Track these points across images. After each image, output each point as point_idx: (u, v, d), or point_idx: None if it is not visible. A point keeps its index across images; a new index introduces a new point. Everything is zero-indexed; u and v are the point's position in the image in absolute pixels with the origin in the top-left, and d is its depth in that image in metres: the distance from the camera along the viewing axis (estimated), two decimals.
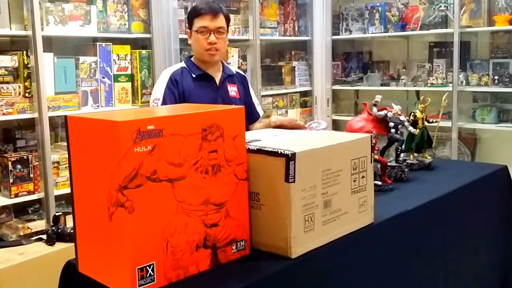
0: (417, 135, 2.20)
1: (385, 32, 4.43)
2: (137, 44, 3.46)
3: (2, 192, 2.91)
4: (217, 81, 2.47)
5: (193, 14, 2.42)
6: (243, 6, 4.05)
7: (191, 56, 2.52)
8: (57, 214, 2.43)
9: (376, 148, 1.90)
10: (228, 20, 2.45)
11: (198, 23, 2.37)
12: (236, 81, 2.57)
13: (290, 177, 1.24)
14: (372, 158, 1.52)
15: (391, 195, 1.87)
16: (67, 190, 2.97)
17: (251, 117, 2.60)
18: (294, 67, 4.53)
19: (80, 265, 1.26)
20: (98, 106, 3.20)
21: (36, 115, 2.90)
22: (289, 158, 1.24)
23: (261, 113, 2.70)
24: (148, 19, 3.40)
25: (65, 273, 1.36)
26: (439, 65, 4.21)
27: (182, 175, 1.16)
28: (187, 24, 2.55)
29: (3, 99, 2.80)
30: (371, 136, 1.53)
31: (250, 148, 1.31)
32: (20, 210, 3.02)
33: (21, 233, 2.85)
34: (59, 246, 2.32)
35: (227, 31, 2.45)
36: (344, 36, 4.70)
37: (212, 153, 1.21)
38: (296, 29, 4.55)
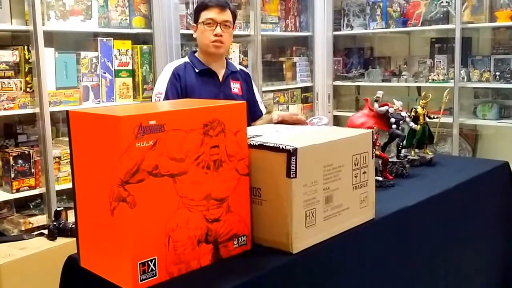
0: (418, 131, 2.20)
1: (386, 28, 4.42)
2: (138, 39, 3.46)
3: (3, 187, 2.92)
4: (220, 77, 2.47)
5: (200, 7, 2.43)
6: (244, 1, 4.04)
7: (194, 52, 2.52)
8: (58, 209, 2.44)
9: (378, 144, 1.90)
10: (234, 16, 2.47)
11: (205, 15, 2.38)
12: (239, 78, 2.57)
13: (291, 173, 1.24)
14: (374, 154, 1.52)
15: (392, 191, 1.87)
16: (68, 185, 2.97)
17: (254, 115, 2.60)
18: (295, 63, 4.52)
19: (82, 260, 1.26)
20: (99, 101, 3.20)
21: (37, 110, 2.90)
22: (291, 153, 1.24)
23: (264, 111, 2.69)
24: (149, 14, 3.40)
25: (66, 267, 1.36)
26: (440, 61, 4.20)
27: (183, 170, 1.16)
28: (189, 19, 2.55)
29: (4, 94, 2.80)
30: (372, 131, 1.53)
31: (252, 144, 1.31)
32: (22, 205, 3.02)
33: (23, 228, 2.86)
34: (61, 241, 2.32)
35: (233, 27, 2.45)
36: (345, 31, 4.69)
37: (214, 148, 1.21)
38: (297, 24, 4.54)
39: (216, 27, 2.37)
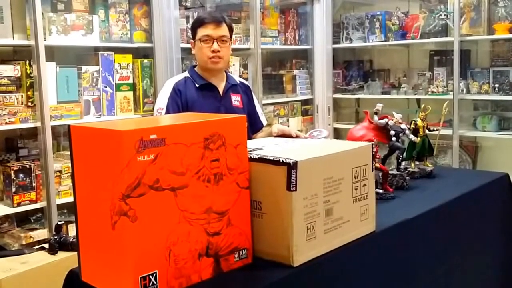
0: (418, 143, 2.20)
1: (385, 40, 4.45)
2: (139, 53, 3.48)
3: (4, 201, 2.92)
4: (221, 90, 2.48)
5: (196, 24, 2.44)
6: (244, 16, 4.07)
7: (194, 66, 2.53)
8: (59, 223, 2.44)
9: (377, 157, 1.90)
10: (231, 30, 2.47)
11: (202, 32, 2.39)
12: (239, 90, 2.58)
13: (291, 186, 1.25)
14: (374, 167, 1.53)
15: (392, 203, 1.87)
16: (69, 199, 2.97)
17: (255, 127, 2.61)
18: (295, 76, 4.54)
19: (83, 274, 1.26)
20: (100, 115, 3.21)
21: (38, 124, 2.91)
22: (291, 166, 1.24)
23: (264, 122, 2.70)
24: (150, 29, 3.42)
25: (67, 282, 1.36)
26: (439, 73, 4.22)
27: (184, 184, 1.17)
28: (190, 34, 2.57)
29: (5, 109, 2.81)
30: (372, 144, 1.54)
31: (252, 157, 1.32)
32: (23, 219, 3.02)
33: (24, 242, 2.85)
34: (62, 255, 2.32)
35: (230, 40, 2.46)
36: (344, 44, 4.72)
37: (214, 162, 1.22)
38: (297, 38, 4.57)
39: (213, 43, 2.38)
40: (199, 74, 2.47)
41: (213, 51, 2.37)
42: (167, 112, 2.36)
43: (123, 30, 3.35)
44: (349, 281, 1.46)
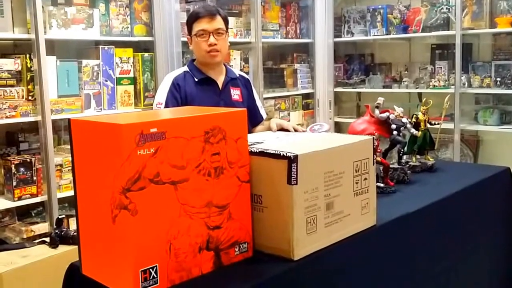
0: (419, 137, 2.20)
1: (387, 34, 4.43)
2: (139, 47, 3.47)
3: (5, 195, 2.92)
4: (220, 84, 2.48)
5: (191, 19, 2.42)
6: (245, 9, 4.06)
7: (193, 60, 2.52)
8: (60, 216, 2.44)
9: (379, 150, 1.90)
10: (226, 21, 2.45)
11: (197, 26, 2.38)
12: (239, 84, 2.56)
13: (292, 179, 1.25)
14: (375, 160, 1.52)
15: (393, 197, 1.87)
16: (70, 193, 2.98)
17: (254, 120, 2.60)
18: (296, 70, 4.53)
19: (84, 267, 1.26)
20: (101, 109, 3.21)
21: (39, 118, 2.91)
22: (292, 160, 1.24)
23: (264, 116, 2.69)
24: (151, 22, 3.41)
25: (68, 275, 1.37)
26: (441, 67, 4.21)
27: (185, 178, 1.16)
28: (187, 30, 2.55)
29: (6, 102, 2.81)
30: (373, 138, 1.53)
31: (253, 151, 1.32)
32: (24, 213, 3.02)
33: (25, 236, 2.86)
34: (62, 248, 2.32)
35: (227, 32, 2.45)
36: (346, 38, 4.70)
37: (215, 155, 1.22)
38: (298, 31, 4.56)
39: (209, 37, 2.36)
40: (198, 68, 2.46)
41: (210, 45, 2.36)
42: (166, 106, 2.36)
43: (123, 23, 3.34)
44: (350, 275, 1.46)
